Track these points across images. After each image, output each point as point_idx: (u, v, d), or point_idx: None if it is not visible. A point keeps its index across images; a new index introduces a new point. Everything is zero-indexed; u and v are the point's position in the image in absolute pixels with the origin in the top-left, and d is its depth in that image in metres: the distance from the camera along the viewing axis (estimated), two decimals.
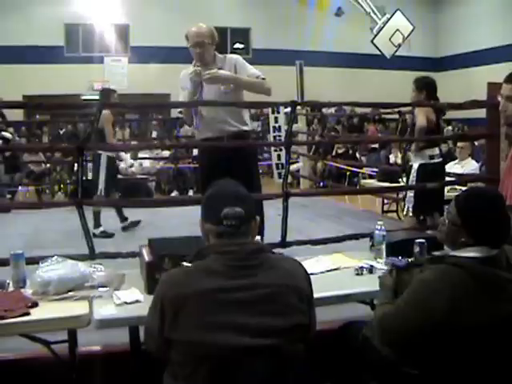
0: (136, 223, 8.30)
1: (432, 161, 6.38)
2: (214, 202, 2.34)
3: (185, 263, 2.37)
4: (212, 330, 2.11)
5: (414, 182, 6.37)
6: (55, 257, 3.10)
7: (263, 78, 5.21)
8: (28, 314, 2.70)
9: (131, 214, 8.19)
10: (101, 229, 7.82)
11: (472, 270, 2.42)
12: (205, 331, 2.11)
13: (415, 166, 6.36)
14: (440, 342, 2.41)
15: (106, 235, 7.75)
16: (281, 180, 8.66)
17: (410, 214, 6.36)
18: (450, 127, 20.07)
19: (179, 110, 6.86)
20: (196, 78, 5.00)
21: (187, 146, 13.86)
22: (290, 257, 2.58)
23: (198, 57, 5.07)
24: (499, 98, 3.17)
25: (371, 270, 3.42)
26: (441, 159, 6.53)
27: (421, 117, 6.27)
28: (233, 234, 2.26)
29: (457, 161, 9.34)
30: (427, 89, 6.43)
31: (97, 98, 8.60)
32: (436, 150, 6.44)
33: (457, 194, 2.69)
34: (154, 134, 18.06)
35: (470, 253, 2.48)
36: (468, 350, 2.38)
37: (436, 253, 3.15)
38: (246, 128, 5.32)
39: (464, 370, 2.40)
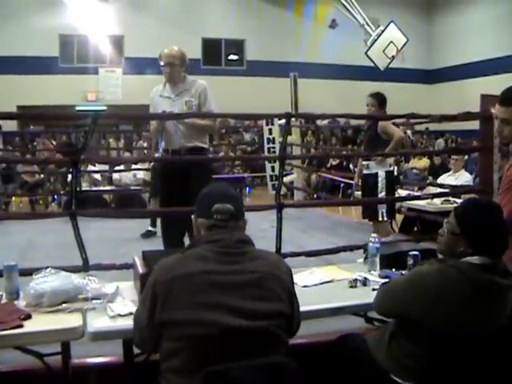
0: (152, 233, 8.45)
1: (390, 168, 6.73)
2: (206, 199, 2.53)
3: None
4: (201, 309, 2.22)
5: (383, 189, 6.54)
6: (49, 268, 3.10)
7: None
8: (21, 326, 2.68)
9: (125, 225, 8.16)
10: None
11: (469, 274, 2.44)
12: (195, 310, 2.22)
13: (381, 173, 6.55)
14: (422, 339, 2.46)
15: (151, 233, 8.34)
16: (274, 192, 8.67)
17: (386, 219, 6.57)
18: (442, 139, 20.15)
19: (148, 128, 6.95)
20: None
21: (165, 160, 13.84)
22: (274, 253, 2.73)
23: (168, 76, 5.69)
24: (494, 117, 3.18)
25: (365, 282, 3.42)
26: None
27: (395, 129, 6.63)
28: (222, 227, 2.44)
29: (450, 172, 9.37)
30: (385, 105, 6.78)
31: (91, 108, 8.59)
32: (392, 159, 6.86)
33: (452, 205, 2.74)
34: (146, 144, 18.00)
35: (469, 260, 2.50)
36: (459, 355, 2.39)
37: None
38: (202, 145, 5.69)
39: (455, 380, 2.41)
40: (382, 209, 6.50)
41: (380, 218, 6.51)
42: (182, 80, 5.72)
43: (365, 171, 6.78)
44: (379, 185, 6.53)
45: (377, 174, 6.56)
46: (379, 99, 6.70)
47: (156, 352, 2.35)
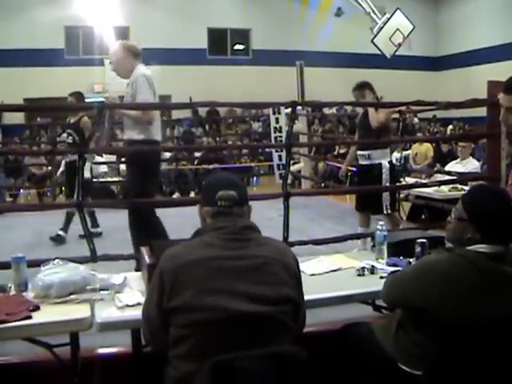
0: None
1: (390, 159, 6.66)
2: (210, 187, 2.54)
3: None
4: (209, 295, 2.23)
5: (387, 180, 6.42)
6: (56, 260, 3.11)
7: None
8: (30, 317, 2.69)
9: None
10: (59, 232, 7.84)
11: (478, 263, 2.43)
12: (202, 296, 2.23)
13: (385, 164, 6.43)
14: (431, 329, 2.46)
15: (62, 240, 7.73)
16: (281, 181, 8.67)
17: (389, 212, 6.39)
18: (450, 126, 20.07)
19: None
20: None
21: (187, 149, 13.87)
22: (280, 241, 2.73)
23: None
24: (500, 101, 3.15)
25: (373, 270, 3.42)
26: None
27: (376, 116, 6.42)
28: (227, 214, 2.46)
29: (458, 160, 9.34)
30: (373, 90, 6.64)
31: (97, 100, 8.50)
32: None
33: (459, 193, 2.74)
34: None
35: (477, 249, 2.49)
36: (468, 345, 2.39)
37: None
38: (136, 137, 5.55)
39: (464, 369, 2.41)
40: (386, 202, 6.34)
41: (385, 212, 6.35)
42: (128, 73, 5.67)
43: (364, 162, 6.58)
44: (384, 176, 6.39)
45: (380, 164, 6.42)
46: (368, 87, 6.58)
47: (166, 349, 2.33)
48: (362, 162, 6.61)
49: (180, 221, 6.13)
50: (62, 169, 8.82)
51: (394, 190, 6.74)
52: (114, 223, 7.62)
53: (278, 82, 18.50)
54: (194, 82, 19.88)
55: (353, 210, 7.02)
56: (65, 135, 8.17)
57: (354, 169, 6.80)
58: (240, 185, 2.60)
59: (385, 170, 6.39)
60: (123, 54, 5.70)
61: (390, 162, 6.55)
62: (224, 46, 23.40)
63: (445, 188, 7.94)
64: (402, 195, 9.14)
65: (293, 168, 12.01)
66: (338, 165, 13.73)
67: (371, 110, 6.45)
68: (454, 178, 7.95)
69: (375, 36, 15.75)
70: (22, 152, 7.94)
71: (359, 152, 6.66)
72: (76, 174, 7.68)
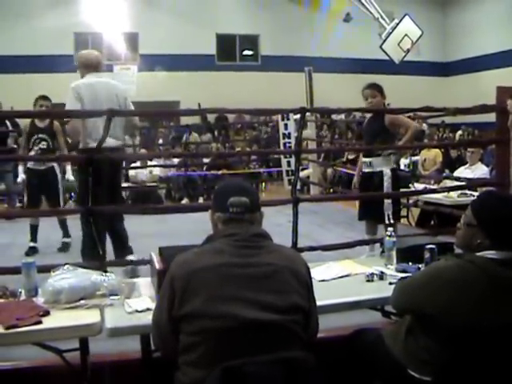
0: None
1: (394, 166, 6.45)
2: (222, 193, 2.56)
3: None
4: (219, 302, 2.23)
5: (389, 188, 6.18)
6: (66, 265, 3.12)
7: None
8: (40, 322, 2.71)
9: (141, 221, 8.20)
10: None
11: (487, 270, 2.43)
12: (212, 303, 2.23)
13: (387, 171, 6.19)
14: (440, 336, 2.46)
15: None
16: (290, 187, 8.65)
17: (392, 221, 6.11)
18: (459, 131, 20.01)
19: None
20: None
21: (195, 155, 13.88)
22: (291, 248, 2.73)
23: None
24: (508, 107, 3.16)
25: (382, 276, 3.42)
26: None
27: (408, 120, 6.35)
28: (238, 220, 2.46)
29: (467, 165, 9.33)
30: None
31: None
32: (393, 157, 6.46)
33: (468, 199, 2.74)
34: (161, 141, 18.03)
35: (486, 255, 2.49)
36: (477, 351, 2.38)
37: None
38: (84, 146, 5.57)
39: (473, 375, 2.40)
40: (388, 211, 6.08)
41: (387, 221, 6.06)
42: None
43: (366, 169, 6.37)
44: (385, 184, 6.15)
45: (382, 172, 6.19)
46: (379, 89, 6.34)
47: (176, 356, 2.33)
48: (365, 169, 6.42)
49: (190, 226, 6.15)
50: (22, 176, 8.38)
51: (398, 199, 6.60)
52: None
53: (286, 88, 18.49)
54: (202, 88, 19.91)
55: None
56: (37, 140, 7.76)
57: None
58: (252, 191, 2.61)
59: (386, 178, 6.16)
60: (78, 64, 5.88)
61: (393, 170, 6.31)
62: (233, 51, 23.44)
63: (454, 194, 7.91)
64: (411, 201, 9.13)
65: (301, 174, 12.01)
66: (347, 171, 13.77)
67: (400, 116, 6.33)
68: (463, 183, 7.93)
69: (384, 42, 15.73)
70: (28, 158, 7.91)
71: (363, 159, 6.48)
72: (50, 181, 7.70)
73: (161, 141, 17.76)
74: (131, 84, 20.84)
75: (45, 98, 7.86)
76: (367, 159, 6.33)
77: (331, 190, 13.53)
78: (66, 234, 7.92)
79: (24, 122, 7.85)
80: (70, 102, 5.53)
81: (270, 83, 21.09)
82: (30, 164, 7.88)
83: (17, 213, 9.06)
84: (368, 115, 6.81)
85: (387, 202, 6.14)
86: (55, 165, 7.93)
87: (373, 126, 6.43)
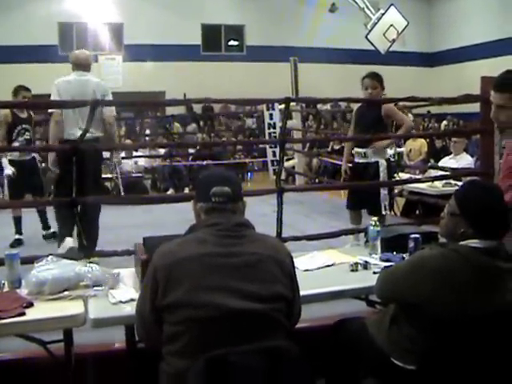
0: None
1: (388, 156, 6.42)
2: (204, 183, 2.55)
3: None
4: (202, 292, 2.23)
5: (385, 178, 6.15)
6: (50, 256, 3.11)
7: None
8: (23, 314, 2.70)
9: (127, 212, 8.18)
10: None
11: (471, 259, 2.44)
12: (195, 293, 2.23)
13: (383, 162, 6.14)
14: (424, 324, 2.48)
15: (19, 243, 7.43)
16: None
17: (389, 212, 6.17)
18: (444, 122, 20.08)
19: None
20: None
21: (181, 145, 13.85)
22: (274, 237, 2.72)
23: None
24: (491, 99, 3.17)
25: (366, 265, 3.43)
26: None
27: (404, 116, 6.38)
28: (221, 210, 2.46)
29: (451, 155, 9.34)
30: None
31: None
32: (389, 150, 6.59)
33: (453, 188, 2.76)
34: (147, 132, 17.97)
35: (470, 244, 2.50)
36: (461, 340, 2.40)
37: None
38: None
39: (456, 364, 2.42)
40: (385, 201, 6.07)
41: (383, 212, 6.05)
42: None
43: (360, 160, 6.27)
44: (381, 175, 6.10)
45: (377, 162, 6.13)
46: (380, 79, 6.24)
47: (160, 346, 2.34)
48: (359, 159, 6.31)
49: (176, 216, 6.15)
50: (10, 168, 7.71)
51: (391, 189, 6.58)
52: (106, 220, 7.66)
53: (272, 79, 18.47)
54: (188, 78, 19.84)
55: None
56: (22, 131, 7.69)
57: (350, 165, 6.56)
58: (234, 181, 2.60)
59: (382, 169, 6.11)
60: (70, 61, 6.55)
61: (388, 160, 6.29)
62: (218, 42, 23.36)
63: (438, 184, 7.95)
64: (395, 191, 9.14)
65: (287, 164, 12.01)
66: (332, 161, 13.79)
67: (397, 110, 6.38)
68: (448, 173, 7.96)
69: (369, 32, 15.72)
70: (18, 148, 7.82)
71: (356, 149, 6.34)
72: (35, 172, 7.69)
73: (148, 131, 17.70)
74: (116, 74, 20.76)
75: (26, 89, 7.81)
76: (361, 150, 6.23)
77: (317, 180, 13.53)
78: (46, 226, 7.86)
79: (1, 113, 7.69)
80: (52, 98, 6.16)
81: (255, 73, 21.04)
82: (13, 155, 7.73)
83: (2, 204, 8.99)
84: (357, 105, 6.74)
85: (384, 192, 6.12)
86: (36, 155, 7.96)
87: (367, 116, 6.29)
